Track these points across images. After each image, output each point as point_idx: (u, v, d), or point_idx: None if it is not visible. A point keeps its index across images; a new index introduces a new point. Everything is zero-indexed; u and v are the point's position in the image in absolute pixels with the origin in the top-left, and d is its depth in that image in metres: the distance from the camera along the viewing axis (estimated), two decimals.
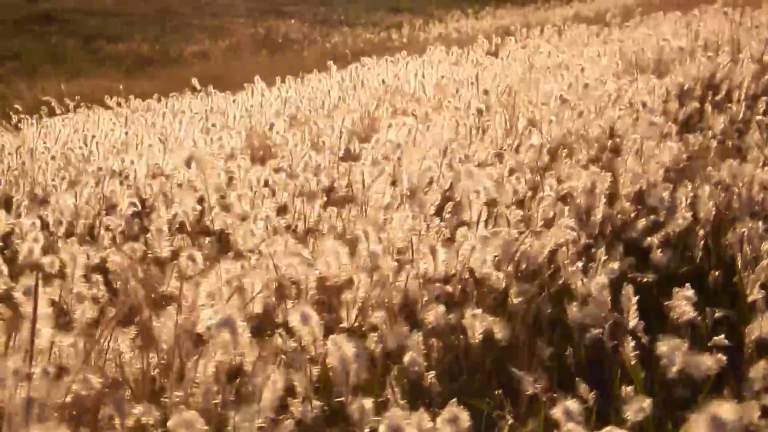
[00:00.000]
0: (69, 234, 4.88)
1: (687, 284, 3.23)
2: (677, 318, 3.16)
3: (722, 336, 3.09)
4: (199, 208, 4.56)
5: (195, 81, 13.63)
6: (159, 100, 13.99)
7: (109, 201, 5.31)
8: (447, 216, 4.26)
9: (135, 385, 2.89)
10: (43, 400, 2.41)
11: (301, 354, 2.89)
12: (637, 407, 2.52)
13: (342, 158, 5.70)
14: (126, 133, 8.74)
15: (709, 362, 2.59)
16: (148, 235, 4.50)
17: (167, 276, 3.39)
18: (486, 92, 6.29)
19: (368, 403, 2.28)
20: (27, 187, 6.59)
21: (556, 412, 2.32)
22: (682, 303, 3.16)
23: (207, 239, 4.34)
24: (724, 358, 2.63)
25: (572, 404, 2.33)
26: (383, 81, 9.55)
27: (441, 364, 3.18)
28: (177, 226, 4.65)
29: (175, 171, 5.86)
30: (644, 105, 5.91)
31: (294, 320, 2.73)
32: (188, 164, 4.39)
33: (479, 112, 6.23)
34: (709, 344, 2.98)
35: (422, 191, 4.42)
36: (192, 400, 2.66)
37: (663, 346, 2.64)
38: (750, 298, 3.50)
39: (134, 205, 4.95)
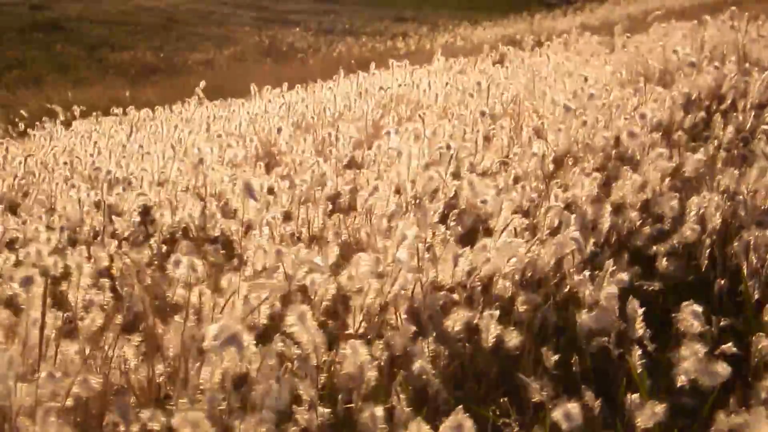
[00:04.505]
0: (74, 240, 4.89)
1: (692, 299, 3.21)
2: (684, 330, 3.15)
3: (730, 344, 3.08)
4: (204, 214, 4.57)
5: (198, 90, 13.61)
6: (163, 108, 14.01)
7: (115, 208, 5.31)
8: (452, 224, 4.26)
9: (140, 392, 2.88)
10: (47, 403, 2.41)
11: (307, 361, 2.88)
12: (649, 413, 2.52)
13: (347, 166, 5.70)
14: (140, 146, 8.73)
15: (719, 370, 2.58)
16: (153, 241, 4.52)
17: (172, 283, 3.38)
18: (483, 114, 6.26)
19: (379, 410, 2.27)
20: (33, 193, 6.59)
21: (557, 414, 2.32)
22: (689, 318, 3.15)
23: (212, 246, 4.33)
24: (730, 368, 2.62)
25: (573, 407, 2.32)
26: (388, 89, 9.55)
27: (447, 371, 3.17)
28: (181, 232, 4.67)
29: (180, 179, 5.88)
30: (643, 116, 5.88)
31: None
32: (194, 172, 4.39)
33: (483, 114, 6.23)
34: (715, 353, 2.96)
35: (427, 200, 4.42)
36: (197, 406, 2.65)
37: (684, 351, 2.64)
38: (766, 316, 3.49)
39: (139, 212, 4.95)
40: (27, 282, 2.68)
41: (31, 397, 2.41)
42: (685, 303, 3.18)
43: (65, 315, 3.09)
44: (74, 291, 3.30)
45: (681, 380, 2.61)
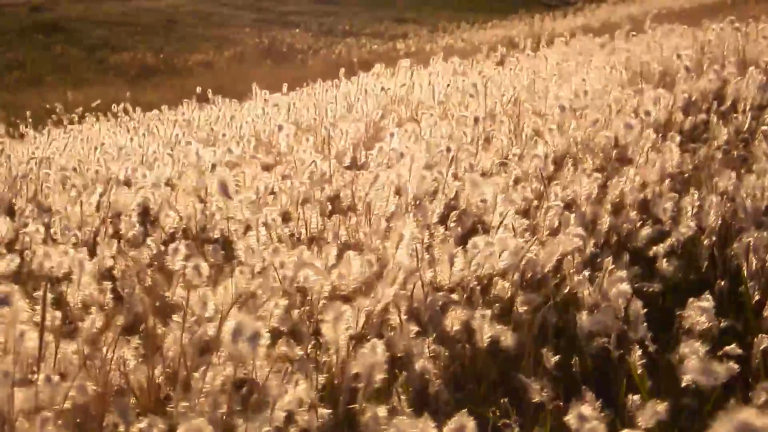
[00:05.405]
0: (74, 242, 4.88)
1: (705, 294, 3.23)
2: (687, 327, 3.16)
3: (734, 345, 3.07)
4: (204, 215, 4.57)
5: (209, 92, 13.65)
6: (164, 109, 14.02)
7: (115, 209, 5.31)
8: (452, 225, 4.27)
9: (140, 393, 2.88)
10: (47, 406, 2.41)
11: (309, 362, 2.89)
12: (651, 412, 2.51)
13: (347, 167, 5.70)
14: (140, 147, 8.75)
15: (721, 370, 2.58)
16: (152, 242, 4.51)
17: (172, 284, 3.38)
18: (476, 120, 6.24)
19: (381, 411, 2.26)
20: (32, 194, 6.59)
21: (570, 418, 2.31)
22: (696, 313, 3.16)
23: (211, 246, 4.33)
24: (736, 366, 2.62)
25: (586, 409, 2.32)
26: (388, 90, 9.55)
27: (447, 372, 3.17)
28: (181, 233, 4.66)
29: (179, 180, 5.87)
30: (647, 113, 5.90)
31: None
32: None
33: (482, 118, 6.23)
34: (718, 354, 2.96)
35: (427, 200, 4.43)
36: (198, 409, 2.65)
37: (685, 348, 2.64)
38: (766, 313, 3.49)
39: (139, 212, 4.95)
40: (3, 302, 2.54)
41: (30, 401, 2.41)
42: (692, 299, 3.20)
43: (64, 315, 3.09)
44: (74, 292, 3.31)
45: (686, 380, 2.60)
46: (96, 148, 9.05)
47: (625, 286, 3.36)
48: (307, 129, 8.08)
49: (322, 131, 7.08)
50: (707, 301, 3.20)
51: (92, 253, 4.18)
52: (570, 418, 2.32)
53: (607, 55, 11.37)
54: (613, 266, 3.63)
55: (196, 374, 2.72)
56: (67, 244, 4.52)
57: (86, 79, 30.62)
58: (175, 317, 2.94)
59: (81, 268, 3.33)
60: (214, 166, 5.71)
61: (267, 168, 5.88)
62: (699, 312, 3.17)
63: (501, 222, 3.83)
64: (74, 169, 7.09)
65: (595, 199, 4.51)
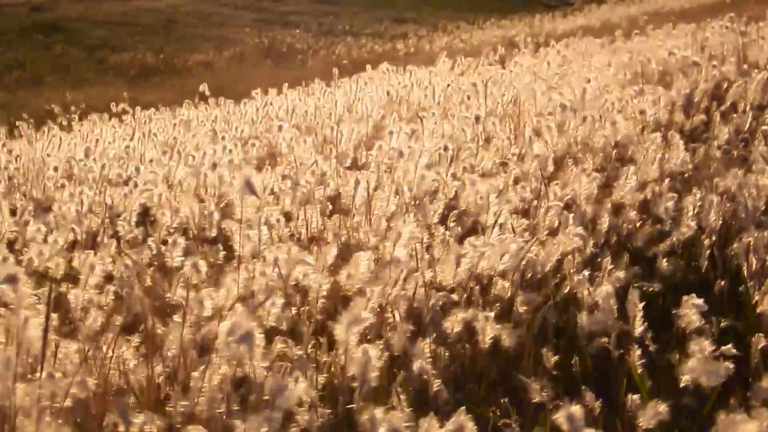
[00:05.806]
0: (73, 242, 4.87)
1: (693, 294, 3.22)
2: (684, 327, 3.15)
3: (729, 346, 3.07)
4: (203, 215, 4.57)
5: (205, 88, 13.65)
6: (164, 109, 14.02)
7: (115, 209, 5.31)
8: (451, 225, 4.26)
9: (140, 392, 2.88)
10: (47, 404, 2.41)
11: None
12: (652, 413, 2.51)
13: (348, 167, 5.69)
14: (140, 147, 8.74)
15: (721, 370, 2.57)
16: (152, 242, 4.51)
17: (172, 284, 3.38)
18: (477, 118, 6.20)
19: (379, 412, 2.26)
20: (31, 194, 6.58)
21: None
22: (690, 312, 3.15)
23: (211, 246, 4.32)
24: (732, 366, 2.62)
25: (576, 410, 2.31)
26: (389, 91, 9.55)
27: (447, 372, 3.17)
28: (181, 232, 4.65)
29: (178, 179, 5.87)
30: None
31: None
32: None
33: (482, 118, 6.22)
34: (716, 354, 2.96)
35: (427, 200, 4.42)
36: (197, 409, 2.65)
37: (693, 347, 2.64)
38: (759, 309, 3.49)
39: (139, 212, 4.95)
40: (11, 280, 2.54)
41: (31, 397, 2.41)
42: (685, 297, 3.20)
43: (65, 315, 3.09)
44: (75, 292, 3.31)
45: (685, 380, 2.60)
46: (94, 149, 9.04)
47: (609, 286, 3.37)
48: (308, 130, 8.08)
49: (322, 131, 7.08)
50: (700, 299, 3.20)
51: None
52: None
53: (607, 55, 11.36)
54: (613, 266, 3.63)
55: (195, 374, 2.72)
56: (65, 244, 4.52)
57: (86, 79, 30.61)
58: (176, 317, 2.94)
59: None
60: (215, 166, 5.70)
61: (268, 168, 5.88)
62: (693, 310, 3.17)
63: (495, 221, 3.82)
64: (71, 170, 7.08)
65: (595, 199, 4.51)
